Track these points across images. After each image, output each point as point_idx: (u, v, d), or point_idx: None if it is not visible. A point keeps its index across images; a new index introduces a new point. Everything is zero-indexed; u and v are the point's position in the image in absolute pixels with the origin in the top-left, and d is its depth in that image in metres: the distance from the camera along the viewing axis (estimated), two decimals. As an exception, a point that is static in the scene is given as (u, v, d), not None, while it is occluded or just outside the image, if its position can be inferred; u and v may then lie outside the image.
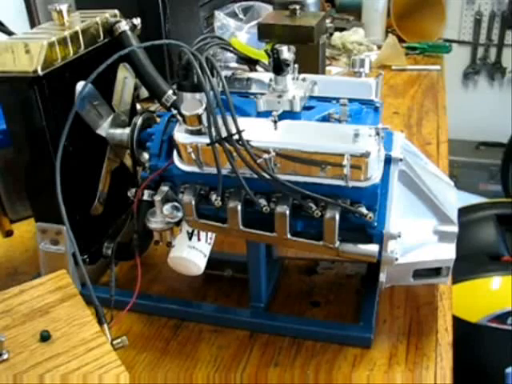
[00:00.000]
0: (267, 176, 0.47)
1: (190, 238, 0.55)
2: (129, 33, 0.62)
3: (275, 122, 0.48)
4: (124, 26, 0.62)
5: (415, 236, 0.52)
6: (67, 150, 0.55)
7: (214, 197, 0.50)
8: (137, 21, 0.64)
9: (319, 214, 0.48)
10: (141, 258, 0.60)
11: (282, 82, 0.54)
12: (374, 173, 0.47)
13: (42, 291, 0.47)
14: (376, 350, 0.56)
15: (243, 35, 1.19)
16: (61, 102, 0.55)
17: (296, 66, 0.56)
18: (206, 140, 0.48)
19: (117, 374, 0.40)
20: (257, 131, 0.48)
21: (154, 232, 0.56)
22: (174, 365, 0.56)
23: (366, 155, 0.45)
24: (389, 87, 1.25)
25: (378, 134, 0.47)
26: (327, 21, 1.20)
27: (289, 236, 0.50)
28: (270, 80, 0.56)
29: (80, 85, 0.56)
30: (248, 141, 0.47)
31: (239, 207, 0.50)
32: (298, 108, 0.52)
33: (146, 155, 0.57)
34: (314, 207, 0.48)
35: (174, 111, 0.54)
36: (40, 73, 0.52)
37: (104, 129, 0.61)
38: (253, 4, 1.29)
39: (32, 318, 0.45)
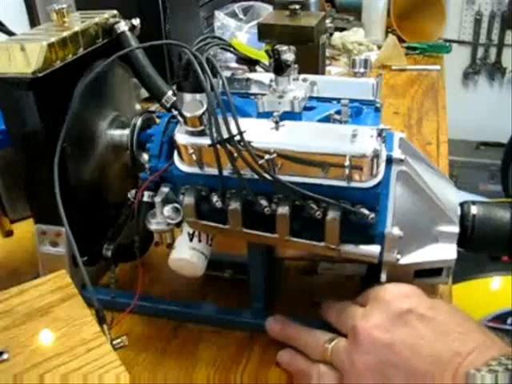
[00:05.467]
0: (268, 177, 0.47)
1: (191, 240, 0.55)
2: (128, 33, 0.62)
3: (277, 122, 0.48)
4: (123, 26, 0.62)
5: (416, 236, 0.52)
6: (66, 151, 0.55)
7: (214, 198, 0.50)
8: (136, 21, 0.64)
9: (320, 215, 0.48)
10: (141, 259, 0.60)
11: (283, 83, 0.54)
12: (376, 173, 0.47)
13: (42, 291, 0.47)
14: (376, 350, 0.55)
15: (243, 35, 1.19)
16: (60, 103, 0.55)
17: (296, 66, 0.56)
18: (207, 141, 0.48)
19: (117, 374, 0.40)
20: (258, 132, 0.48)
21: (155, 233, 0.56)
22: (174, 365, 0.56)
23: (367, 156, 0.45)
24: (389, 87, 1.25)
25: (379, 134, 0.47)
26: (327, 21, 1.20)
27: (290, 237, 0.50)
28: (271, 80, 0.56)
29: (80, 85, 0.56)
30: (249, 142, 0.47)
31: (240, 208, 0.50)
32: (298, 108, 0.52)
33: (146, 156, 0.57)
34: (315, 208, 0.48)
35: (175, 112, 0.54)
36: (39, 74, 0.52)
37: (104, 129, 0.61)
38: (253, 4, 1.29)
39: (32, 318, 0.45)
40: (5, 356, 0.41)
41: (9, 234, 0.77)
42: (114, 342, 0.45)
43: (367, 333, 0.45)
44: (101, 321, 0.46)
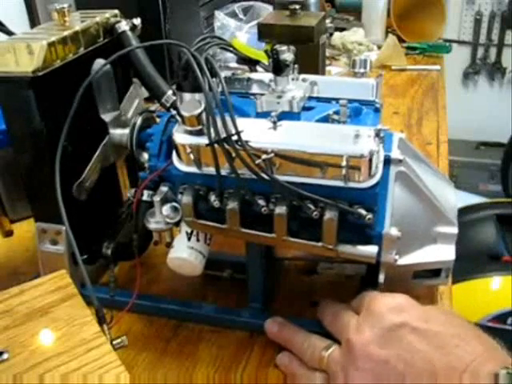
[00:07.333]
0: (266, 177, 0.47)
1: (189, 239, 0.55)
2: (129, 33, 0.62)
3: (274, 122, 0.49)
4: (124, 26, 0.62)
5: (415, 237, 0.52)
6: (66, 150, 0.55)
7: (212, 197, 0.51)
8: (137, 21, 0.64)
9: (318, 215, 0.48)
10: (140, 258, 0.60)
11: (282, 83, 0.54)
12: (374, 174, 0.47)
13: (42, 291, 0.47)
14: (376, 350, 0.55)
15: (243, 35, 1.19)
16: (60, 102, 0.55)
17: (296, 66, 0.56)
18: (205, 141, 0.48)
19: (117, 374, 0.40)
20: (256, 132, 0.48)
21: (154, 232, 0.57)
22: (173, 365, 0.56)
23: (365, 156, 0.45)
24: (389, 87, 1.25)
25: (377, 134, 0.47)
26: (327, 21, 1.20)
27: (288, 237, 0.50)
28: (270, 80, 0.56)
29: (97, 63, 0.57)
30: (247, 141, 0.47)
31: (238, 208, 0.50)
32: (297, 108, 0.52)
33: (145, 155, 0.57)
34: (312, 208, 0.48)
35: (174, 111, 0.54)
36: (39, 73, 0.52)
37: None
38: (253, 4, 1.29)
39: (32, 318, 0.45)
40: (5, 356, 0.41)
41: (9, 233, 0.77)
42: (114, 342, 0.45)
43: (362, 348, 0.45)
44: (100, 320, 0.46)
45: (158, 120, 0.58)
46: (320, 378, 0.49)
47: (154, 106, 0.64)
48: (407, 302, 0.47)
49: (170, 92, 0.59)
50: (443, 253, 0.53)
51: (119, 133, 0.62)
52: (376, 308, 0.47)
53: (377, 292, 0.50)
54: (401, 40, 1.42)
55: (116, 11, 0.64)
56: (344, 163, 0.46)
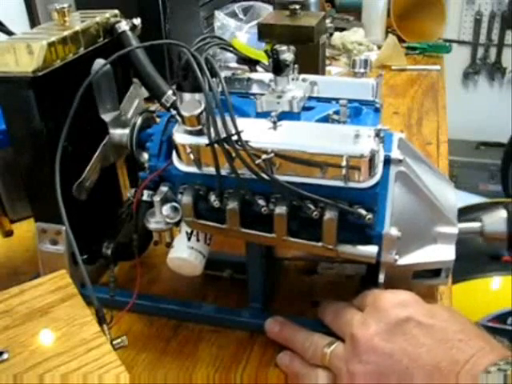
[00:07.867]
0: (266, 177, 0.47)
1: (189, 239, 0.55)
2: (129, 33, 0.62)
3: (274, 122, 0.49)
4: (124, 26, 0.62)
5: (415, 237, 0.52)
6: (66, 150, 0.55)
7: (212, 197, 0.51)
8: (137, 21, 0.64)
9: (318, 215, 0.48)
10: (140, 258, 0.60)
11: (282, 83, 0.54)
12: (374, 174, 0.47)
13: (42, 291, 0.47)
14: (376, 350, 0.55)
15: (243, 35, 1.19)
16: (60, 102, 0.55)
17: (296, 66, 0.56)
18: (205, 141, 0.48)
19: (117, 374, 0.40)
20: (255, 132, 0.48)
21: (154, 232, 0.57)
22: (174, 365, 0.56)
23: (365, 156, 0.45)
24: (389, 87, 1.25)
25: (377, 134, 0.47)
26: (327, 21, 1.20)
27: (288, 237, 0.50)
28: (270, 80, 0.56)
29: (97, 63, 0.57)
30: (247, 141, 0.47)
31: (238, 208, 0.50)
32: (297, 108, 0.52)
33: (146, 155, 0.57)
34: (312, 208, 0.48)
35: (174, 111, 0.54)
36: (39, 73, 0.52)
37: (108, 117, 0.61)
38: (253, 4, 1.29)
39: (32, 318, 0.45)
40: (5, 356, 0.41)
41: (9, 233, 0.77)
42: (114, 342, 0.45)
43: (366, 342, 0.45)
44: (100, 320, 0.46)
45: (158, 120, 0.58)
46: (323, 376, 0.49)
47: (153, 106, 0.64)
48: (412, 298, 0.48)
49: (170, 92, 0.59)
50: (443, 253, 0.53)
51: (119, 133, 0.62)
52: (381, 304, 0.47)
53: (380, 289, 0.50)
54: (401, 40, 1.42)
55: (116, 11, 0.64)
56: (344, 163, 0.46)
